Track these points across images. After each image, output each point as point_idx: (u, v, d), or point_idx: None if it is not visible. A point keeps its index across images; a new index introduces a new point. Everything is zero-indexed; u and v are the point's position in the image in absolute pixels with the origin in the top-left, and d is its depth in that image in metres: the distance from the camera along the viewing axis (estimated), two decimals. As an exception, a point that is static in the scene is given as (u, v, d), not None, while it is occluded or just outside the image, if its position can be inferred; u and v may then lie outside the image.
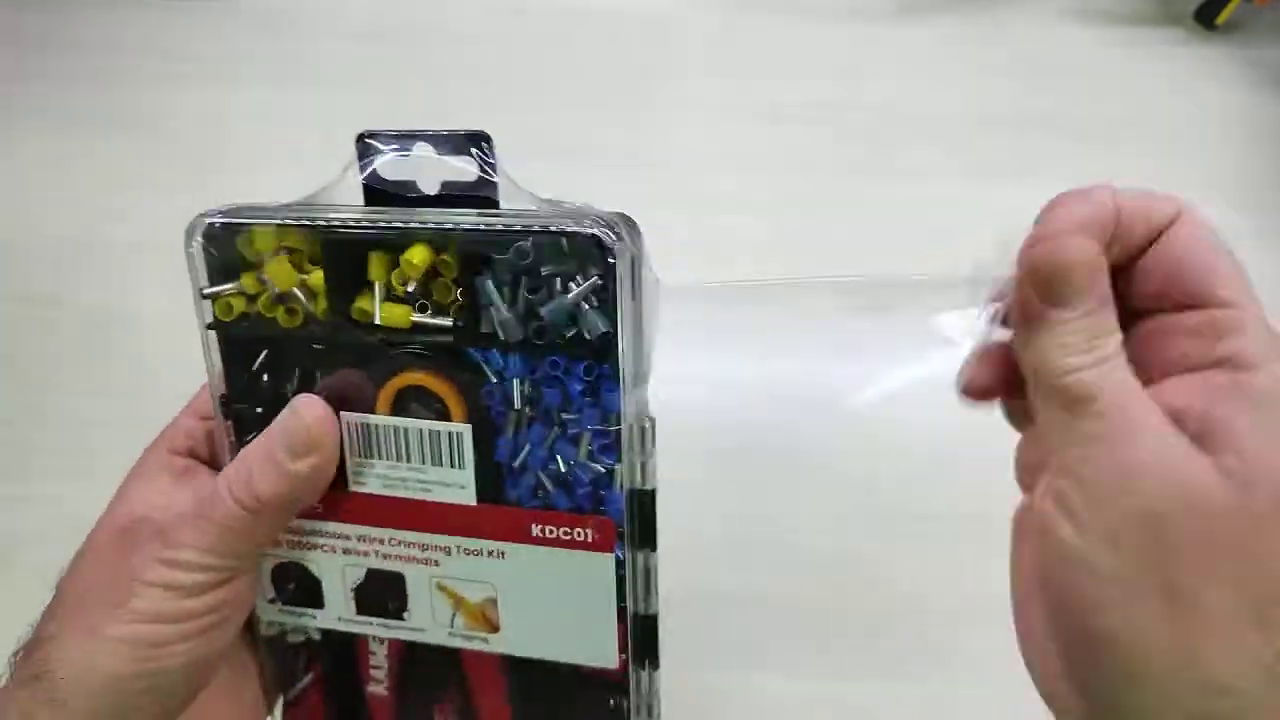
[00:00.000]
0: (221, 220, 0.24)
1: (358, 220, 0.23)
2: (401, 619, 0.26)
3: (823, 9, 0.69)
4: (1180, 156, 0.62)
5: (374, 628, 0.27)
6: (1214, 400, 0.18)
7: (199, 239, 0.24)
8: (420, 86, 0.68)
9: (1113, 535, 0.18)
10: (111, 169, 0.64)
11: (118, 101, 0.67)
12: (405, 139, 0.23)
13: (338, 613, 0.27)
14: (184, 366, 0.59)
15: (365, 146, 0.24)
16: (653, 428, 0.24)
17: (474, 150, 0.23)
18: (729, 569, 0.47)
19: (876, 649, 0.47)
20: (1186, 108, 0.64)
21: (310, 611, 0.27)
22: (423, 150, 0.23)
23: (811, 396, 0.28)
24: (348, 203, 0.24)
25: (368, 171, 0.24)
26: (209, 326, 0.25)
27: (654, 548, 0.25)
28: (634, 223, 0.24)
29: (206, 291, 0.25)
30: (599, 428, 0.23)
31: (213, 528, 0.23)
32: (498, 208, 0.24)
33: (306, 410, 0.23)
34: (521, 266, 0.22)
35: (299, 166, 0.70)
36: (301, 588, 0.27)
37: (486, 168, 0.23)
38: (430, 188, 0.24)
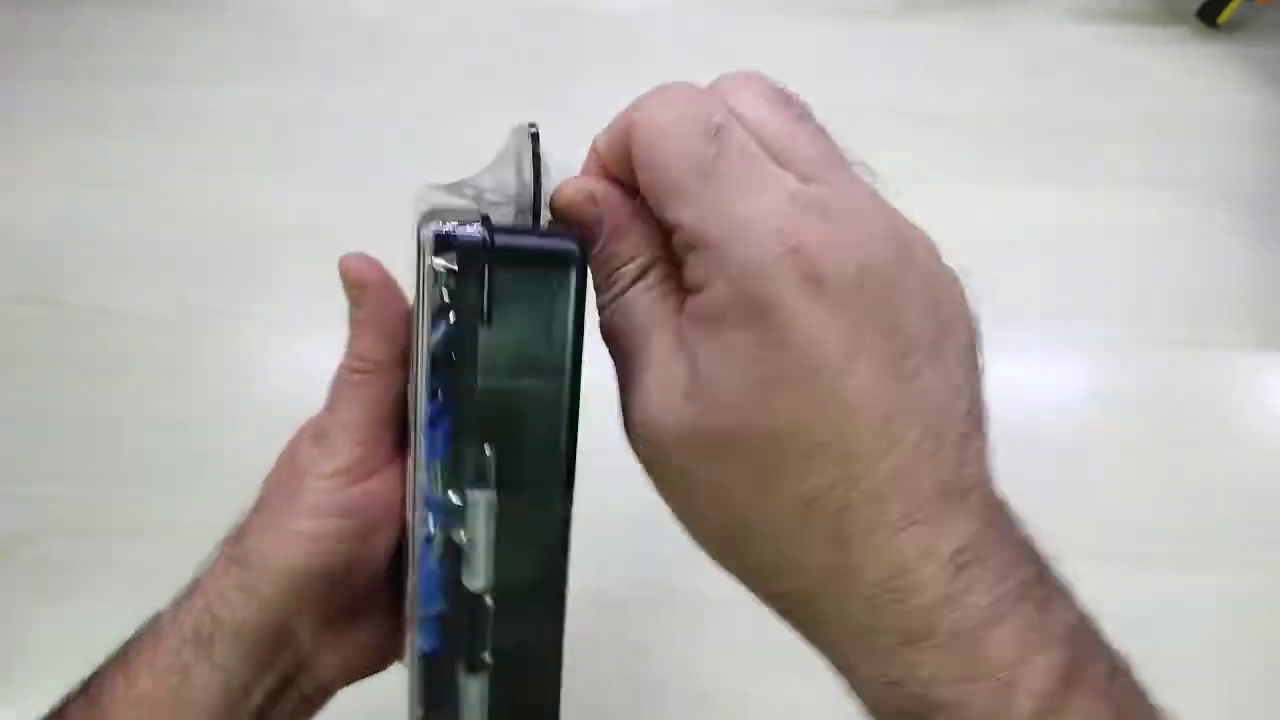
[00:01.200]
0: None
1: None
2: None
3: (823, 8, 0.69)
4: (1182, 155, 0.61)
5: None
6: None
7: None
8: (420, 86, 0.68)
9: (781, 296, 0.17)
10: (110, 168, 0.64)
11: (117, 100, 0.67)
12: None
13: None
14: (184, 366, 0.59)
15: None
16: None
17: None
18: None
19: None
20: (1188, 106, 0.63)
21: None
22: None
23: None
24: None
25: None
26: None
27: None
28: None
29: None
30: None
31: (339, 401, 0.25)
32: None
33: (344, 262, 0.25)
34: None
35: (299, 167, 0.69)
36: None
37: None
38: None
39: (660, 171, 0.19)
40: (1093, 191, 0.60)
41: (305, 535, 0.25)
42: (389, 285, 0.25)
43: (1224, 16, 0.65)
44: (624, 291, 0.21)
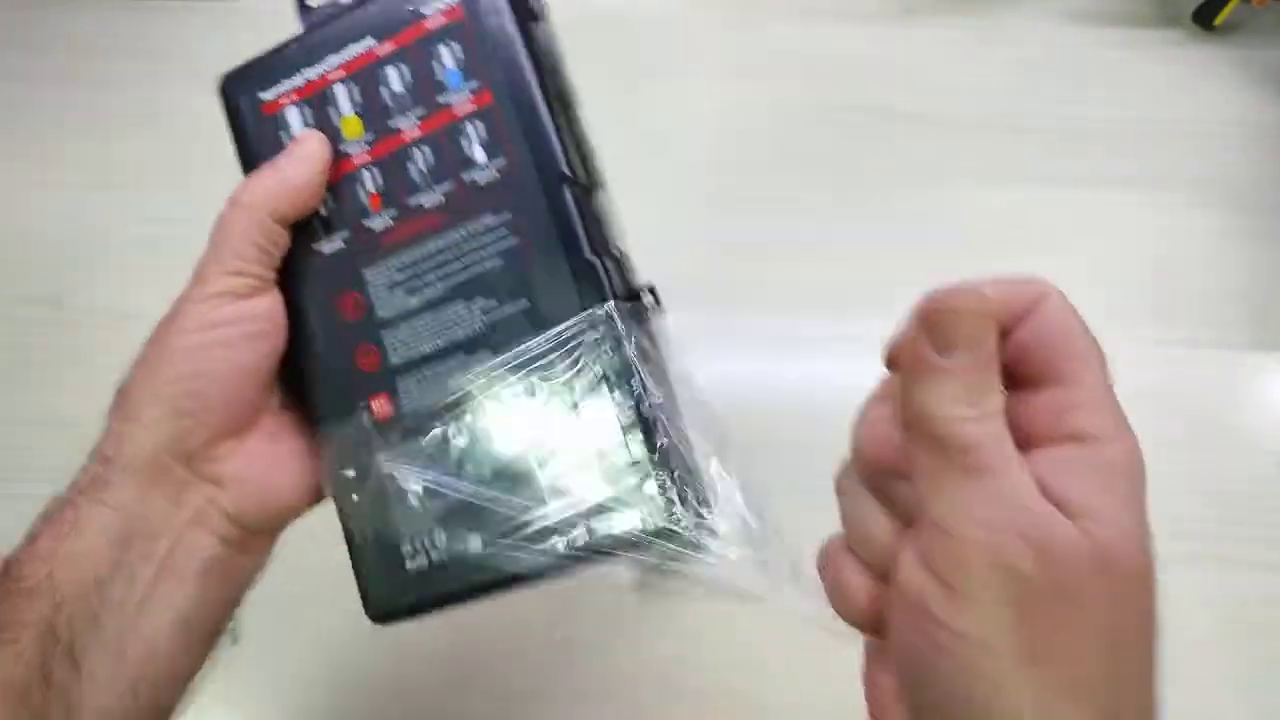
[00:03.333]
0: None
1: None
2: None
3: (823, 11, 0.69)
4: (1178, 157, 0.62)
5: None
6: (1068, 472, 0.18)
7: None
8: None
9: (978, 596, 0.18)
10: (112, 169, 0.65)
11: (122, 102, 0.67)
12: None
13: None
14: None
15: None
16: None
17: None
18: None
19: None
20: (1185, 108, 0.64)
21: None
22: None
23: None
24: None
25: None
26: None
27: None
28: None
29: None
30: None
31: (216, 236, 0.27)
32: None
33: (305, 135, 0.29)
34: None
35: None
36: None
37: None
38: None
39: None
40: (1090, 193, 0.61)
41: (183, 348, 0.26)
42: (325, 159, 0.28)
43: (1220, 19, 0.65)
44: (989, 416, 0.19)
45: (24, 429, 0.55)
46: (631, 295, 0.27)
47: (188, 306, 0.27)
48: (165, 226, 0.63)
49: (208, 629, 0.27)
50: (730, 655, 0.46)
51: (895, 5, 0.69)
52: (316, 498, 0.29)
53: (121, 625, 0.25)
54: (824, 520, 0.23)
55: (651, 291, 0.28)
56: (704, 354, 0.57)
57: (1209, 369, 0.54)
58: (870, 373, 0.53)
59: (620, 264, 0.28)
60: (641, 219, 0.64)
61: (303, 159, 0.28)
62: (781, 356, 0.56)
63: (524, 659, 0.47)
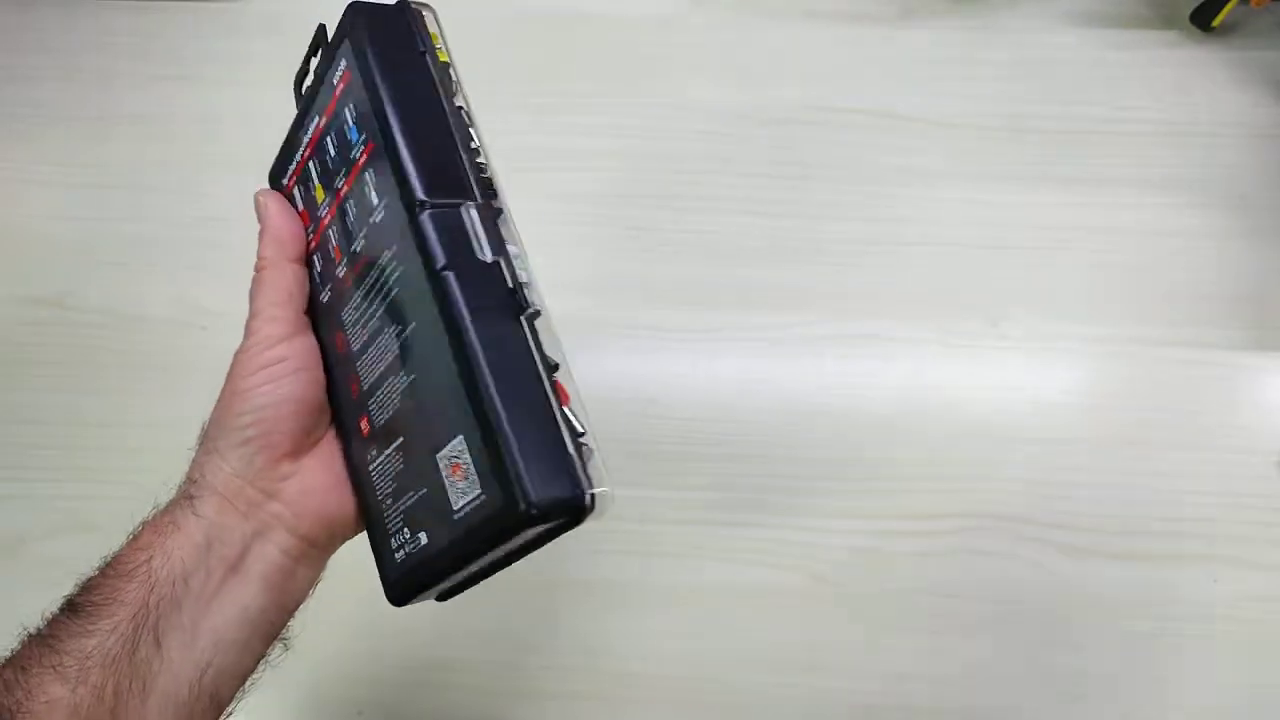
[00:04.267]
0: None
1: None
2: None
3: (824, 13, 0.69)
4: (1177, 157, 0.62)
5: None
6: None
7: None
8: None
9: None
10: (113, 170, 0.65)
11: (123, 102, 0.67)
12: None
13: None
14: (187, 366, 0.59)
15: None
16: None
17: None
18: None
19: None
20: (1183, 109, 0.64)
21: None
22: None
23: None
24: None
25: None
26: None
27: None
28: None
29: None
30: None
31: (251, 297, 0.33)
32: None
33: (258, 196, 0.35)
34: None
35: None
36: None
37: None
38: None
39: None
40: (1090, 194, 0.61)
41: (240, 390, 0.31)
42: (283, 206, 0.34)
43: (1218, 20, 0.65)
44: None
45: (28, 428, 0.56)
46: (498, 301, 0.27)
47: (240, 357, 0.32)
48: (165, 226, 0.63)
49: (267, 630, 0.31)
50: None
51: (894, 7, 0.69)
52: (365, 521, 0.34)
53: (197, 613, 0.29)
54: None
55: (522, 289, 0.27)
56: (703, 353, 0.58)
57: (1209, 369, 0.55)
58: (869, 371, 0.55)
59: (490, 272, 0.27)
60: (641, 219, 0.65)
61: (265, 213, 0.34)
62: (781, 355, 0.56)
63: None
